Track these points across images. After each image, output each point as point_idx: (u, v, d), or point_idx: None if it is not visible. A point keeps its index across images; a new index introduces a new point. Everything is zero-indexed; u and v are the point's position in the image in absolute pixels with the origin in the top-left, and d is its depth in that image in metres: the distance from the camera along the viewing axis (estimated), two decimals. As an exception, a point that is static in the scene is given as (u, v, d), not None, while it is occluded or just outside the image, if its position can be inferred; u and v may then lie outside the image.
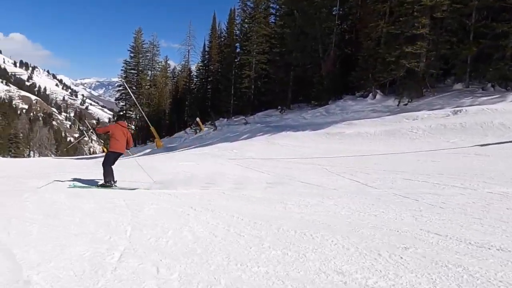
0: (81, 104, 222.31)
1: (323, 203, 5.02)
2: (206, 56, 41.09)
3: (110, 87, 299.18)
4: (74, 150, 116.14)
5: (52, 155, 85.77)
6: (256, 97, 28.87)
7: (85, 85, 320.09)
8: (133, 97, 18.34)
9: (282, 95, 25.42)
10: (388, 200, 4.99)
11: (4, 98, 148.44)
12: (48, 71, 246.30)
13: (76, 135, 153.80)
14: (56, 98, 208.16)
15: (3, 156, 61.73)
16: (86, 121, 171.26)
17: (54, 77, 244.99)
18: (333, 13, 22.08)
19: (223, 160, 11.84)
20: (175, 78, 52.62)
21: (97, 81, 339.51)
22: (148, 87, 47.02)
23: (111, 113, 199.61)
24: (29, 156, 71.21)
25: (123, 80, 43.79)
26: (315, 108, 21.10)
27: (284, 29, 25.56)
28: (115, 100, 54.58)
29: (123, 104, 48.24)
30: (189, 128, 34.19)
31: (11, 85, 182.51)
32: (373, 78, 17.49)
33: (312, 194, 5.61)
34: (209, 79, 40.17)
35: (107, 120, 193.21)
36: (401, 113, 14.92)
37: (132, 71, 46.18)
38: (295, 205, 4.94)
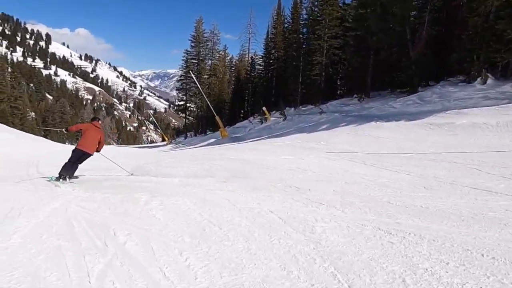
0: (139, 94, 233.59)
1: None
2: (270, 44, 39.66)
3: (166, 78, 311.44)
4: (133, 139, 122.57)
5: (114, 143, 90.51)
6: (327, 84, 26.94)
7: (143, 76, 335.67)
8: (200, 87, 17.61)
9: (358, 82, 23.33)
10: None
11: (71, 90, 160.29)
12: (109, 64, 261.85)
13: (135, 125, 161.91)
14: (117, 89, 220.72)
15: (71, 144, 66.05)
16: (145, 110, 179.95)
17: (115, 69, 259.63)
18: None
19: (322, 153, 10.47)
20: (233, 68, 52.09)
21: (154, 73, 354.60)
22: (208, 76, 46.82)
23: (167, 103, 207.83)
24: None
25: (187, 70, 43.95)
26: (402, 95, 18.89)
27: (359, 10, 23.37)
28: (176, 90, 55.37)
29: (183, 94, 48.61)
30: (252, 117, 33.20)
31: (77, 77, 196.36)
32: (483, 60, 14.95)
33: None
34: (272, 67, 38.73)
35: (163, 110, 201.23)
36: (526, 100, 12.51)
37: (193, 60, 46.21)
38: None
